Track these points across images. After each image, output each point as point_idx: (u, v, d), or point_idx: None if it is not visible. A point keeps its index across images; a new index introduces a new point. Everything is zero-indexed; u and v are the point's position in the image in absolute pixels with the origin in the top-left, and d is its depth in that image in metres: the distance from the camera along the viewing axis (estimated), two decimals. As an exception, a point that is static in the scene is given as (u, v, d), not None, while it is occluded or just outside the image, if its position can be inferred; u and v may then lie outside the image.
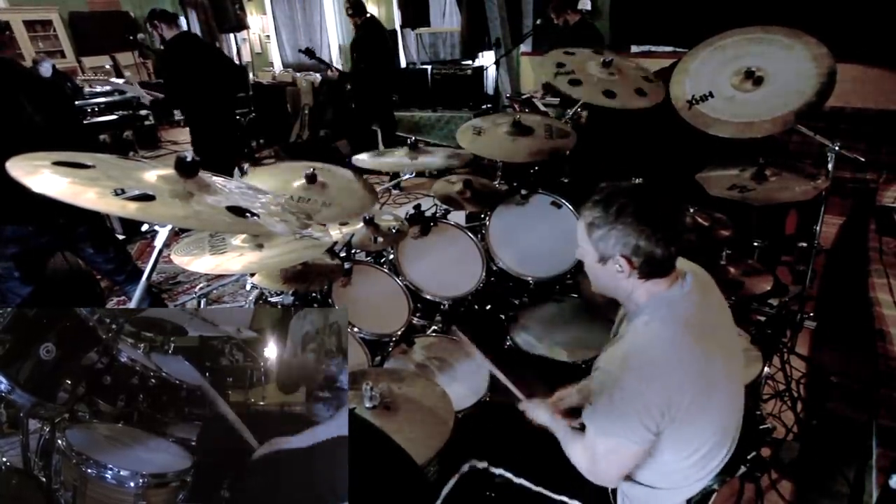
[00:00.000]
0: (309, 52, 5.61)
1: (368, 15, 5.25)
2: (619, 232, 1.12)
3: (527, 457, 1.39)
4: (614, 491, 1.32)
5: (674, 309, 1.16)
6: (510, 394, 1.50)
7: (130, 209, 0.97)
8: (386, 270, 2.28)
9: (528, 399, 1.43)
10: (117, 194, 0.98)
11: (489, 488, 1.38)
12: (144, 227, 1.29)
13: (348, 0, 5.07)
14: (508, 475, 1.36)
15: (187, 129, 4.77)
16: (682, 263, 1.26)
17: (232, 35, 7.66)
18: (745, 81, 1.99)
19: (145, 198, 1.02)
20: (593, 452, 1.19)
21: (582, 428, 1.23)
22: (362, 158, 2.41)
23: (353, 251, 2.26)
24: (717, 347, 1.17)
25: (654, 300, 1.18)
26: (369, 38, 5.18)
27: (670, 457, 1.19)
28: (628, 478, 1.27)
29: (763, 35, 2.04)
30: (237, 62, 7.12)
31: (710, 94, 2.03)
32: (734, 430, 1.27)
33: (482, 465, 1.39)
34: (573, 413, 1.37)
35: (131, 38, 7.53)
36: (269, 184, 1.82)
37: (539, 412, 1.39)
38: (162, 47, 4.11)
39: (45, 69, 5.53)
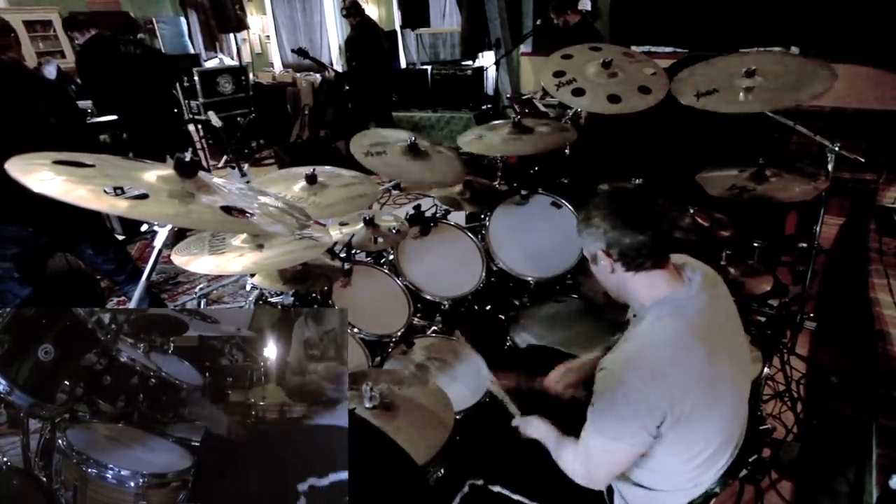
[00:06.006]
0: (302, 52, 5.59)
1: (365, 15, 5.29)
2: (593, 229, 1.20)
3: (524, 472, 1.38)
4: (611, 495, 1.32)
5: (680, 311, 1.15)
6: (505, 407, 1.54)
7: (122, 207, 0.96)
8: (386, 271, 2.28)
9: (521, 416, 1.49)
10: (117, 193, 0.98)
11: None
12: (144, 228, 1.28)
13: (345, 0, 5.09)
14: (506, 492, 1.36)
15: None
16: (691, 262, 1.27)
17: (232, 35, 7.66)
18: (745, 80, 1.99)
19: (143, 197, 1.01)
20: (587, 452, 1.19)
21: (581, 417, 1.23)
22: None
23: (353, 251, 2.25)
24: (722, 351, 1.16)
25: (660, 302, 1.18)
26: (363, 38, 5.21)
27: (672, 459, 1.18)
28: (627, 479, 1.27)
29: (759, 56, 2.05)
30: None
31: (715, 90, 2.03)
32: (738, 434, 1.27)
33: (479, 482, 1.39)
34: (583, 386, 1.38)
35: (131, 38, 7.53)
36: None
37: (531, 427, 1.40)
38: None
39: (50, 71, 5.51)
